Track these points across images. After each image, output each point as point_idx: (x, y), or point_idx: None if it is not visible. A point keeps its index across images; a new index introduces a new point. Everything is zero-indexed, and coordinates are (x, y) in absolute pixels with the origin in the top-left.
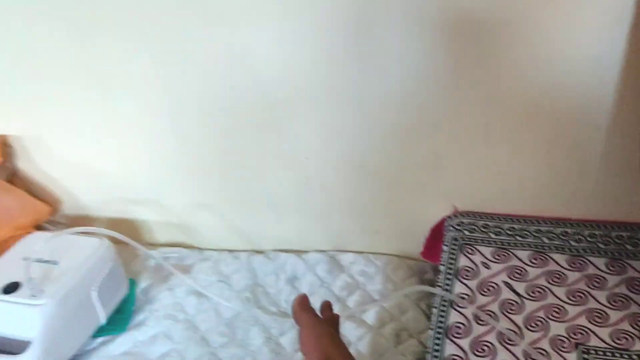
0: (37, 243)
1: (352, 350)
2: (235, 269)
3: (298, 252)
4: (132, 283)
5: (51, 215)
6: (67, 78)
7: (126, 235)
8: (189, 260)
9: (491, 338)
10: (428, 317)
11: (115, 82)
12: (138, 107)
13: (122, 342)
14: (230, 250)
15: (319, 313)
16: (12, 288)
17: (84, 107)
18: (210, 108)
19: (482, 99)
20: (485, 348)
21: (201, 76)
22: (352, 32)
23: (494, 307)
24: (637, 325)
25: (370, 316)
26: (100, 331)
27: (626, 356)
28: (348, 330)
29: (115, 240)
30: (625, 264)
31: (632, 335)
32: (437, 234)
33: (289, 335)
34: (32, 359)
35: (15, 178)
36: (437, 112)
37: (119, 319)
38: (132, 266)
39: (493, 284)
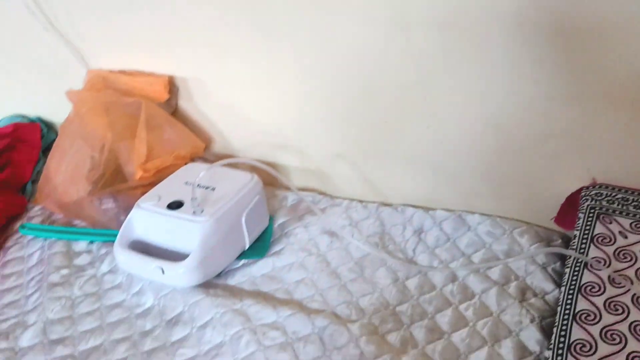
0: (197, 171)
1: (475, 301)
2: (364, 216)
3: (425, 209)
4: (270, 218)
5: (204, 150)
6: (235, 29)
7: (266, 177)
8: (322, 205)
9: (626, 300)
10: (555, 282)
11: (277, 35)
12: (294, 61)
13: (262, 266)
14: (360, 201)
15: None
16: (176, 205)
17: (246, 57)
18: (360, 65)
19: (631, 74)
20: (619, 308)
21: (357, 34)
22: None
23: (630, 273)
24: None
25: (494, 274)
26: (244, 255)
27: None
28: (472, 283)
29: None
30: None
31: None
32: (572, 202)
33: (414, 280)
34: (190, 267)
35: (176, 115)
36: (584, 83)
37: (259, 246)
38: (271, 204)
39: (630, 253)
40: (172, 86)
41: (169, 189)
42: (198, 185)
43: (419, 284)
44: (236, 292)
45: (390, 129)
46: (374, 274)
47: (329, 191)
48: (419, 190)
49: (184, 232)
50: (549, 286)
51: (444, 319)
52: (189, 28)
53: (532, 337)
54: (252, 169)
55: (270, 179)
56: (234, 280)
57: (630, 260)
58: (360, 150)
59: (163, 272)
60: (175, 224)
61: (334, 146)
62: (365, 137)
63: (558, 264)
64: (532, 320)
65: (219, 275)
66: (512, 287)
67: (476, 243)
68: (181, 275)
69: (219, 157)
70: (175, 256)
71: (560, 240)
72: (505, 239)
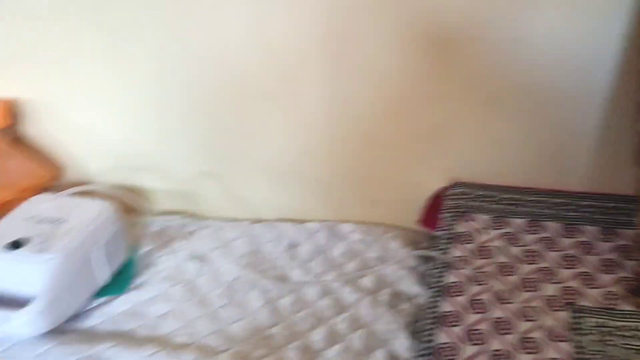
0: (42, 203)
1: (348, 314)
2: (235, 235)
3: (298, 222)
4: (133, 248)
5: (55, 180)
6: (79, 44)
7: (127, 203)
8: (190, 228)
9: (487, 296)
10: (424, 284)
11: (126, 48)
12: (147, 76)
13: (123, 302)
14: (231, 219)
15: None
16: (17, 244)
17: (95, 74)
18: (217, 79)
19: (481, 75)
20: (481, 305)
21: (212, 46)
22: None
23: (490, 269)
24: (624, 287)
25: (367, 282)
26: (101, 292)
27: (612, 314)
28: (346, 294)
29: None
30: (616, 232)
31: (620, 297)
32: (435, 203)
33: (287, 299)
34: (35, 314)
35: (21, 142)
36: (436, 85)
37: (120, 280)
38: (134, 232)
39: (489, 248)
40: (13, 110)
41: (9, 227)
42: (42, 219)
43: (292, 302)
44: (93, 335)
45: (253, 142)
46: (245, 297)
47: (198, 212)
48: (290, 203)
49: (27, 274)
50: (417, 289)
51: (318, 337)
52: (29, 43)
53: (403, 344)
54: (110, 195)
55: (131, 205)
56: (91, 322)
57: (489, 257)
58: (226, 167)
59: (3, 322)
60: (16, 265)
61: (197, 164)
62: (228, 153)
63: (426, 265)
64: (403, 327)
65: (73, 318)
66: (384, 294)
67: (349, 252)
68: (25, 323)
69: (73, 185)
70: (19, 303)
71: (427, 241)
72: (377, 246)
